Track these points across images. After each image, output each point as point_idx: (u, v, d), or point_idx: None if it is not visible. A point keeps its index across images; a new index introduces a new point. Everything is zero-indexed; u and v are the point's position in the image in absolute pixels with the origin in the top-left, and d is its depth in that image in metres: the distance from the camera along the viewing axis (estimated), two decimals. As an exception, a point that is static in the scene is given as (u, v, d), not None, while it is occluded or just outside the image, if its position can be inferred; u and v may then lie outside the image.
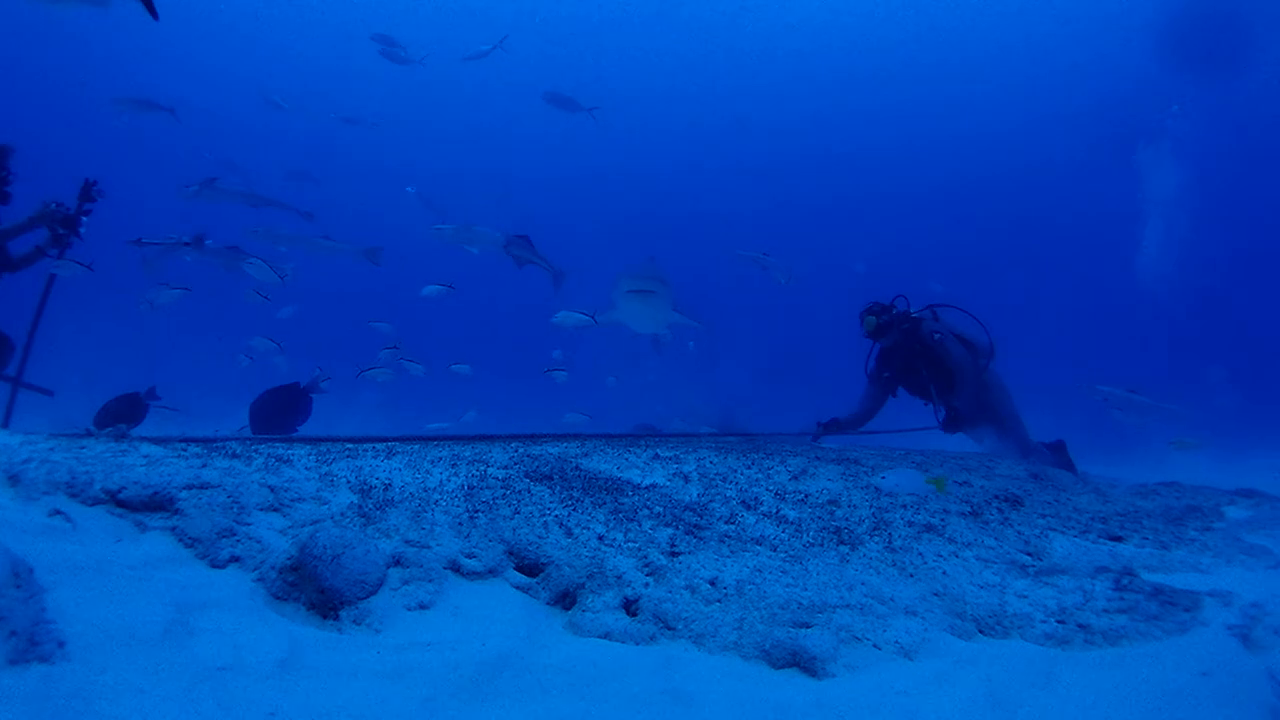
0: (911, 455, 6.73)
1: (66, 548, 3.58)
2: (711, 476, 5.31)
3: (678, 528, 4.49)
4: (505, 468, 5.03)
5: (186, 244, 11.48)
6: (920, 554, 4.53)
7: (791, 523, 4.73)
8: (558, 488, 4.80)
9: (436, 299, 12.90)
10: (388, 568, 3.75)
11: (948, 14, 45.29)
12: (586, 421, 11.79)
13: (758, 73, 49.16)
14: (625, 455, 5.62)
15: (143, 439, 5.13)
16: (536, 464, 5.15)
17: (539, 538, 4.20)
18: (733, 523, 4.66)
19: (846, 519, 4.85)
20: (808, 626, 3.61)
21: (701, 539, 4.42)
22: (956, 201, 49.09)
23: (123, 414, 10.04)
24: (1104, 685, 3.32)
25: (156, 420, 10.97)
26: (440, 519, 4.27)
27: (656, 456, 5.63)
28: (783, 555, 4.35)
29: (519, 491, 4.67)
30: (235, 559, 3.73)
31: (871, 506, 5.03)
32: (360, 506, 4.28)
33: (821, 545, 4.52)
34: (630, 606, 3.76)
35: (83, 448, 4.65)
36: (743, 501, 4.94)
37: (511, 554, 4.10)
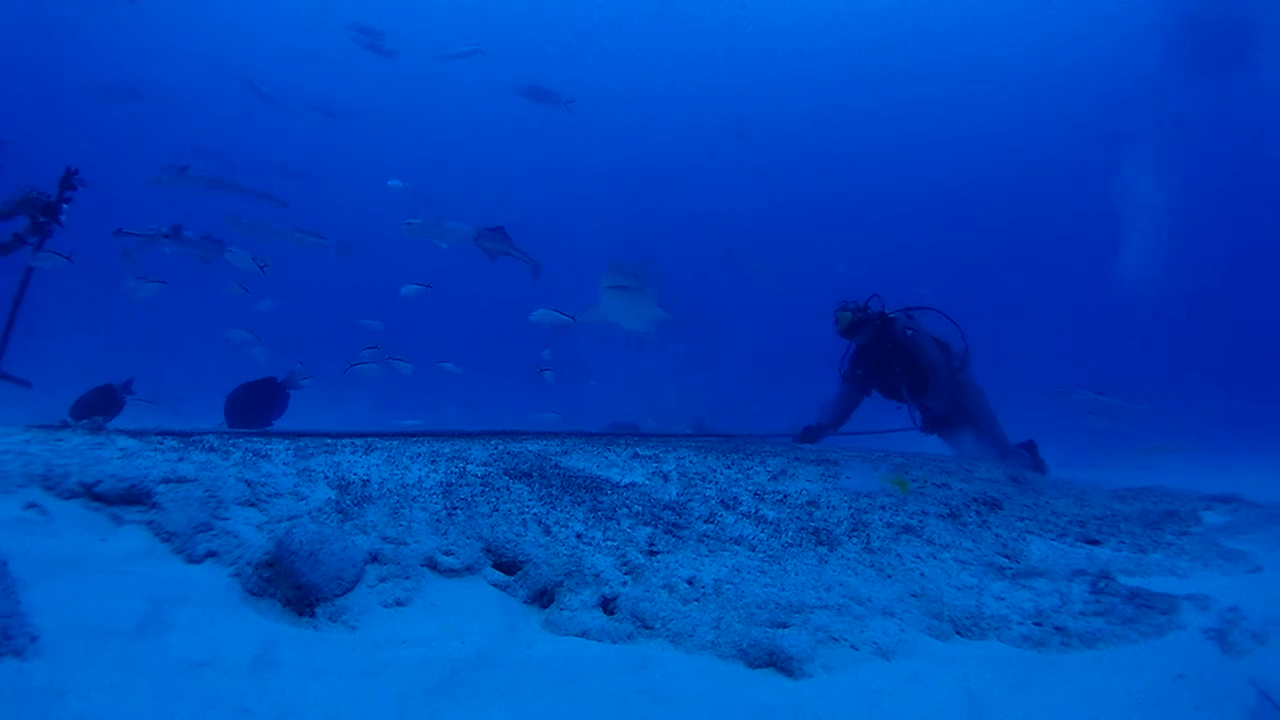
0: (892, 457, 6.73)
1: (41, 541, 3.56)
2: (691, 476, 5.31)
3: (656, 527, 4.49)
4: (484, 465, 5.01)
5: (165, 235, 11.40)
6: (898, 555, 4.53)
7: (770, 523, 4.73)
8: (537, 485, 4.79)
9: (416, 298, 12.86)
10: (365, 564, 3.74)
11: (947, 14, 45.27)
12: (559, 421, 11.79)
13: (752, 73, 49.08)
14: (605, 454, 5.62)
15: (119, 432, 5.12)
16: (516, 461, 5.14)
17: (517, 535, 4.19)
18: (711, 522, 4.65)
19: (825, 520, 4.85)
20: (785, 626, 3.61)
21: (680, 538, 4.42)
22: (950, 203, 49.08)
23: (99, 406, 9.97)
24: (1080, 687, 3.33)
25: (134, 413, 10.90)
26: (418, 516, 4.26)
27: (636, 455, 5.62)
28: (761, 555, 4.35)
29: (498, 489, 4.66)
30: (212, 554, 3.72)
31: (850, 508, 5.03)
32: (338, 502, 4.27)
33: (800, 546, 4.52)
34: (608, 605, 3.76)
35: (59, 440, 4.63)
36: (722, 501, 4.94)
37: (489, 551, 4.09)
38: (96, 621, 3.03)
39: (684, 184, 48.56)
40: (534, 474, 4.96)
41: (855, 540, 4.64)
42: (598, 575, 3.94)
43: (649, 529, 4.45)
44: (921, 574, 4.36)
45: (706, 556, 4.25)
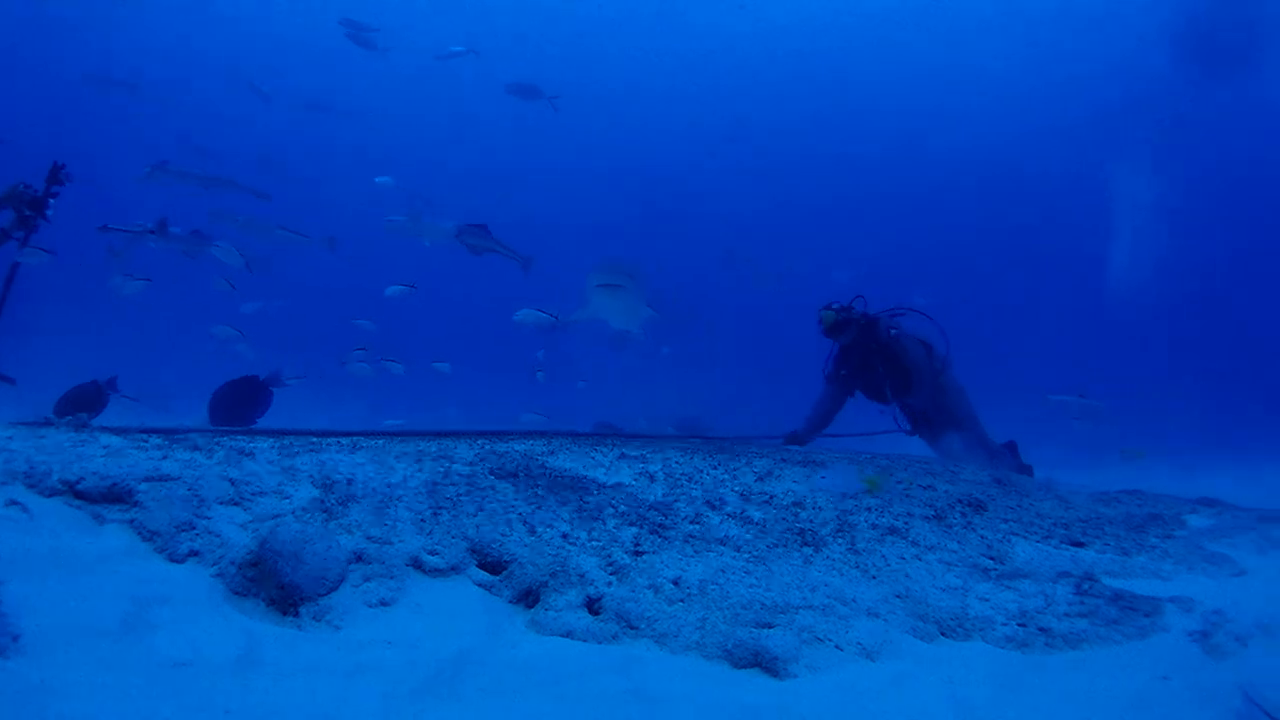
0: (878, 459, 6.73)
1: (23, 539, 3.54)
2: (677, 476, 5.30)
3: (642, 527, 4.48)
4: (470, 464, 5.00)
5: (151, 231, 11.36)
6: (883, 556, 4.54)
7: (756, 524, 4.73)
8: (522, 485, 4.78)
9: (408, 298, 12.85)
10: (349, 564, 3.73)
11: (948, 16, 45.15)
12: (542, 422, 11.78)
13: (751, 73, 48.96)
14: (591, 454, 5.61)
15: (103, 429, 5.10)
16: (502, 461, 5.13)
17: (502, 535, 4.19)
18: (697, 523, 4.65)
19: (811, 520, 4.85)
20: (770, 627, 3.61)
21: (666, 538, 4.41)
22: (950, 206, 48.94)
23: (83, 403, 9.93)
24: (1065, 688, 3.34)
25: (120, 411, 10.87)
26: (403, 515, 4.25)
27: (623, 456, 5.61)
28: (746, 556, 4.35)
29: (483, 489, 4.65)
30: (194, 553, 3.70)
31: (836, 509, 5.03)
32: (322, 501, 4.25)
33: (785, 546, 4.52)
34: (593, 605, 3.76)
35: (42, 437, 4.61)
36: (708, 502, 4.94)
37: (474, 551, 4.08)
38: (79, 621, 3.02)
39: (682, 184, 48.47)
40: (520, 474, 4.95)
41: (840, 541, 4.64)
42: (583, 575, 3.93)
43: (635, 529, 4.44)
44: (906, 575, 4.37)
45: (692, 557, 4.25)
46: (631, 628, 3.61)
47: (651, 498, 4.91)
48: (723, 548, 4.40)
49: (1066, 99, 44.52)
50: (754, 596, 3.90)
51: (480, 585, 3.92)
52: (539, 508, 4.54)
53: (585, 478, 5.10)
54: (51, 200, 8.85)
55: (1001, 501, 5.77)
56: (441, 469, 4.85)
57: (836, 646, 3.56)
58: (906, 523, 4.99)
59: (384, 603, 3.62)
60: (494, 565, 4.03)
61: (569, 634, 3.55)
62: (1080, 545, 5.07)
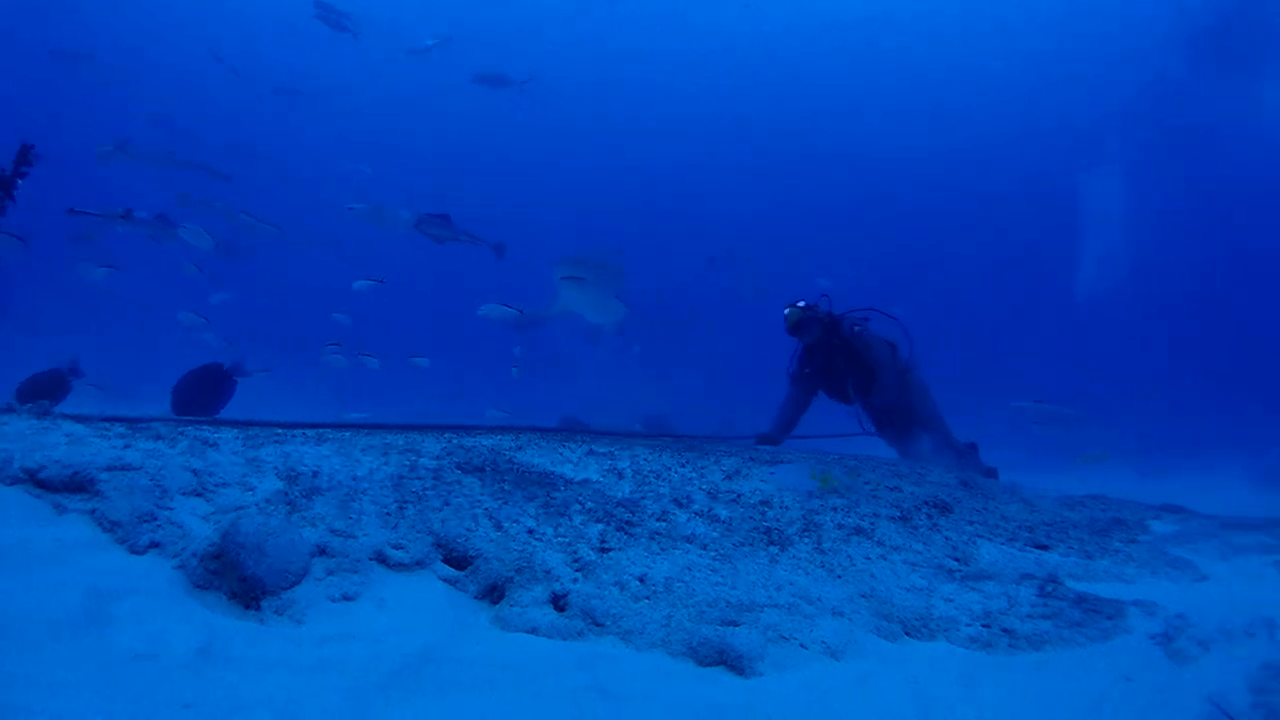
0: (845, 460, 6.75)
1: (-19, 528, 3.49)
2: (645, 474, 5.29)
3: (609, 523, 4.47)
4: (437, 458, 4.97)
5: (121, 216, 11.25)
6: (849, 556, 4.55)
7: (723, 522, 4.73)
8: (489, 480, 4.76)
9: (372, 292, 12.79)
10: (312, 557, 3.70)
11: (946, 19, 45.18)
12: (508, 418, 11.76)
13: (748, 73, 48.95)
14: (559, 450, 5.59)
15: (65, 416, 5.03)
16: (469, 455, 5.11)
17: (468, 530, 4.17)
18: (664, 520, 4.65)
19: (777, 520, 4.85)
20: (736, 625, 3.61)
21: (632, 535, 4.41)
22: (944, 212, 48.99)
23: (46, 390, 9.84)
24: (1028, 688, 3.36)
25: (87, 398, 10.77)
26: (368, 508, 4.22)
27: (591, 452, 5.60)
28: (713, 554, 4.35)
29: (450, 483, 4.63)
30: (156, 545, 3.66)
31: (802, 508, 5.04)
32: (287, 494, 4.21)
33: (752, 545, 4.52)
34: (559, 602, 3.74)
35: (3, 424, 4.54)
36: (675, 499, 4.93)
37: (440, 546, 4.06)
38: (37, 612, 2.98)
39: (671, 183, 48.48)
40: (487, 468, 4.93)
41: (807, 541, 4.65)
42: (549, 572, 3.92)
43: (601, 526, 4.44)
44: (872, 575, 4.38)
45: (658, 554, 4.25)
46: (597, 625, 3.60)
47: (619, 494, 4.91)
48: (689, 545, 4.40)
49: (1069, 102, 44.56)
50: (720, 594, 3.90)
51: (445, 580, 3.90)
52: (506, 503, 4.52)
53: (553, 473, 5.08)
54: (19, 181, 8.74)
55: (967, 504, 5.80)
56: (408, 462, 4.82)
57: (801, 645, 3.57)
58: (872, 523, 5.00)
59: (347, 597, 3.59)
60: (459, 560, 4.01)
61: (534, 630, 3.53)
62: (1044, 548, 5.10)
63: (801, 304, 10.01)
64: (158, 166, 15.10)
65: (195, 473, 4.22)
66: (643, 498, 4.90)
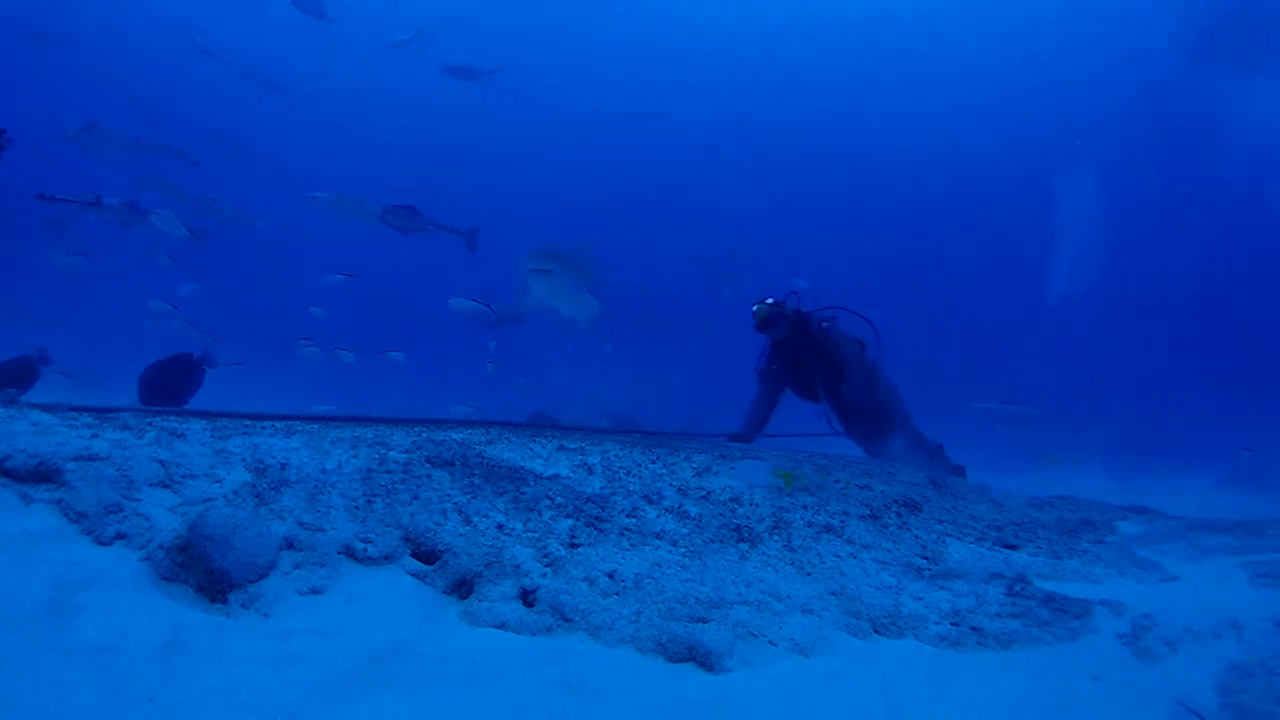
0: (815, 458, 6.76)
1: (-55, 518, 3.46)
2: (615, 470, 5.29)
3: (578, 519, 4.47)
4: (407, 452, 4.95)
5: (91, 203, 11.16)
6: (819, 554, 4.56)
7: (693, 519, 4.73)
8: (459, 474, 4.74)
9: (343, 286, 12.72)
10: (280, 550, 3.68)
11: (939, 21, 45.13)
12: (474, 414, 11.71)
13: (740, 73, 48.89)
14: (530, 445, 5.58)
15: (32, 405, 4.98)
16: (439, 449, 5.09)
17: (437, 524, 4.15)
18: (634, 516, 4.65)
19: (748, 517, 4.86)
20: (705, 621, 3.62)
21: (602, 531, 4.40)
22: (932, 217, 48.97)
23: (13, 378, 9.75)
24: (997, 686, 3.38)
25: (56, 387, 10.68)
26: (337, 502, 4.20)
27: (562, 447, 5.59)
28: (682, 550, 4.35)
29: (419, 477, 4.61)
30: (122, 536, 3.63)
31: (773, 505, 5.05)
32: (254, 486, 4.19)
33: (721, 542, 4.53)
34: (528, 597, 3.74)
35: (-33, 413, 4.50)
36: (645, 496, 4.93)
37: (408, 540, 4.04)
38: (1, 603, 2.95)
39: (658, 181, 48.38)
40: (456, 462, 4.91)
41: (777, 538, 4.66)
42: (518, 567, 3.91)
43: (571, 521, 4.43)
44: (841, 573, 4.39)
45: (628, 550, 4.25)
46: (566, 620, 3.59)
47: (589, 490, 4.90)
48: (659, 542, 4.40)
49: (1064, 103, 44.50)
50: (689, 591, 3.90)
51: (414, 575, 3.88)
52: (475, 497, 4.51)
53: (523, 468, 5.07)
54: None
55: (936, 503, 5.83)
56: (377, 456, 4.80)
57: (771, 642, 3.57)
58: (842, 521, 5.02)
59: (315, 591, 3.58)
60: (428, 555, 4.00)
61: (503, 625, 3.53)
62: (1013, 548, 5.13)
63: (770, 301, 10.03)
64: (125, 150, 14.95)
65: (163, 464, 4.19)
66: (613, 494, 4.90)
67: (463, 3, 43.66)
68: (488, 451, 5.26)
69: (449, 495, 4.47)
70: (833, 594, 4.14)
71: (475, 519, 4.28)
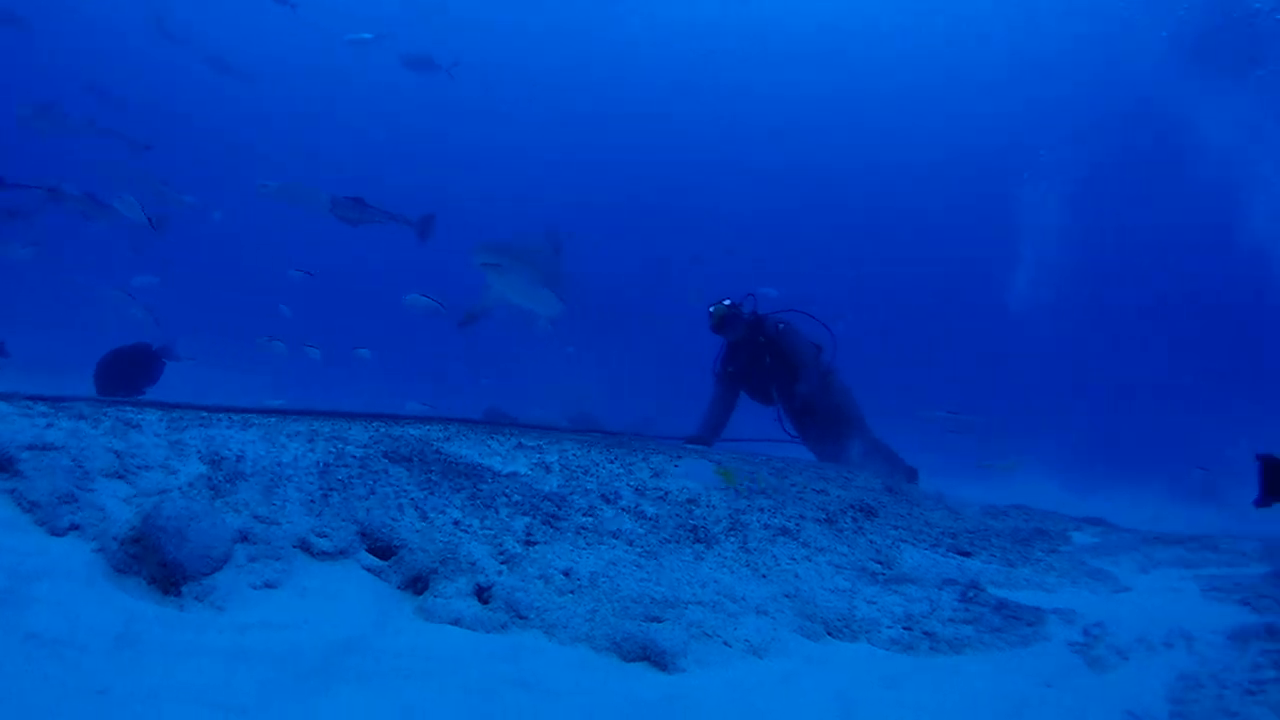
0: (773, 461, 6.79)
1: (-107, 506, 3.43)
2: (573, 468, 5.29)
3: (535, 517, 4.47)
4: (364, 446, 4.93)
5: (49, 190, 11.03)
6: (774, 556, 4.59)
7: (649, 519, 4.75)
8: (416, 470, 4.73)
9: (303, 282, 12.62)
10: (235, 543, 3.66)
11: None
12: (428, 410, 11.64)
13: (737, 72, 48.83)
14: (488, 442, 5.57)
15: (-14, 394, 4.92)
16: (397, 445, 5.07)
17: (393, 520, 4.14)
18: (591, 515, 4.65)
19: (704, 518, 4.88)
20: (659, 621, 3.63)
21: (558, 529, 4.41)
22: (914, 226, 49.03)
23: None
24: (949, 690, 3.41)
25: (12, 376, 10.54)
26: (293, 495, 4.18)
27: (520, 445, 5.58)
28: (638, 550, 4.37)
29: (376, 471, 4.59)
30: (76, 527, 3.60)
31: (729, 507, 5.07)
32: (210, 478, 4.16)
33: (677, 542, 4.55)
34: (483, 594, 3.74)
35: (-81, 401, 4.45)
36: (602, 495, 4.94)
37: (364, 535, 4.03)
38: (-49, 593, 2.93)
39: (629, 182, 48.28)
40: (414, 458, 4.89)
41: (732, 540, 4.68)
42: (474, 563, 3.91)
43: (528, 519, 4.43)
44: (796, 575, 4.42)
45: (584, 549, 4.26)
46: (521, 617, 3.60)
47: (546, 488, 4.90)
48: (615, 541, 4.41)
49: (1043, 115, 44.58)
50: (644, 590, 3.92)
51: (369, 570, 3.87)
52: (432, 493, 4.50)
53: (480, 465, 5.06)
54: None
55: (892, 508, 5.87)
56: (334, 450, 4.77)
57: (725, 643, 3.60)
58: (798, 524, 5.05)
59: (269, 585, 3.56)
60: (384, 550, 3.99)
61: (458, 622, 3.53)
62: (967, 555, 5.18)
63: (726, 302, 10.05)
64: (80, 134, 14.73)
65: (118, 454, 4.15)
66: (570, 492, 4.90)
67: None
68: (446, 448, 5.25)
69: (406, 491, 4.46)
70: (787, 596, 4.16)
71: (432, 515, 4.27)
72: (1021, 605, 4.29)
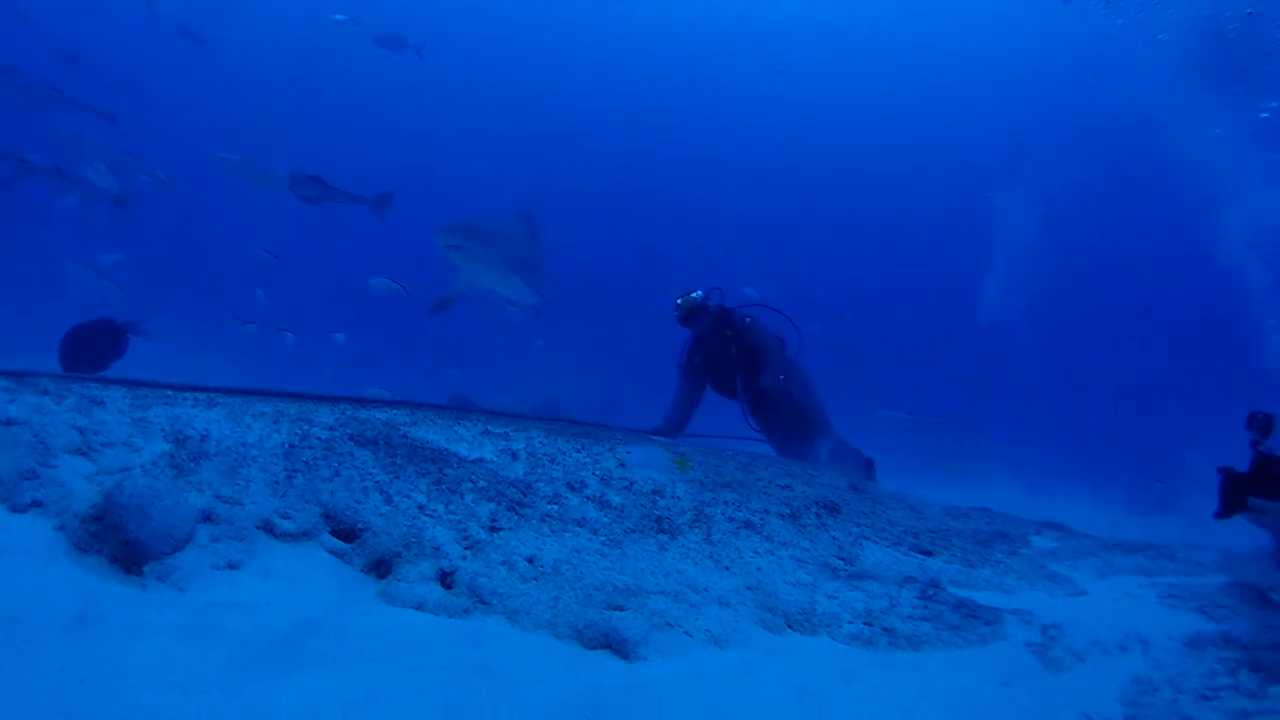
0: (739, 456, 6.81)
1: None
2: (540, 456, 5.29)
3: (500, 503, 4.47)
4: (330, 429, 4.91)
5: (22, 161, 10.89)
6: (738, 549, 4.60)
7: (614, 508, 4.75)
8: (382, 454, 4.71)
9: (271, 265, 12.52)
10: (197, 523, 3.64)
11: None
12: (389, 395, 11.61)
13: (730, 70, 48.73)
14: (455, 427, 5.55)
15: (-52, 369, 4.87)
16: (363, 428, 5.05)
17: (357, 503, 4.13)
18: (556, 503, 4.66)
19: (669, 509, 4.89)
20: (622, 610, 3.64)
21: (523, 516, 4.41)
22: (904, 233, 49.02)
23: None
24: (906, 685, 3.44)
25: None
26: (257, 476, 4.16)
27: (487, 432, 5.57)
28: (603, 539, 4.37)
29: (341, 454, 4.57)
30: (37, 504, 3.57)
31: (694, 499, 5.08)
32: (173, 457, 4.13)
33: (642, 532, 4.56)
34: (446, 579, 3.74)
35: (-120, 373, 4.40)
36: (568, 483, 4.94)
37: (328, 517, 4.02)
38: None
39: (608, 175, 48.15)
40: (380, 442, 4.88)
41: (697, 531, 4.69)
42: (438, 548, 3.91)
43: (493, 505, 4.43)
44: (759, 568, 4.44)
45: (548, 536, 4.26)
46: (484, 603, 3.60)
47: (512, 475, 4.90)
48: (580, 529, 4.42)
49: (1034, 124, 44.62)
50: (607, 579, 3.93)
51: (332, 552, 3.87)
52: (397, 477, 4.49)
53: (447, 451, 5.05)
54: None
55: (855, 506, 5.90)
56: (300, 431, 4.75)
57: (686, 633, 3.61)
58: (762, 519, 5.06)
59: (232, 565, 3.55)
60: (347, 533, 3.98)
61: (420, 606, 3.53)
62: (928, 554, 5.21)
63: (693, 295, 10.06)
64: (42, 102, 14.50)
65: (81, 431, 4.12)
66: (536, 480, 4.90)
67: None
68: (412, 432, 5.23)
69: (371, 474, 4.45)
70: (749, 589, 4.18)
71: (396, 499, 4.26)
72: (980, 605, 4.33)
